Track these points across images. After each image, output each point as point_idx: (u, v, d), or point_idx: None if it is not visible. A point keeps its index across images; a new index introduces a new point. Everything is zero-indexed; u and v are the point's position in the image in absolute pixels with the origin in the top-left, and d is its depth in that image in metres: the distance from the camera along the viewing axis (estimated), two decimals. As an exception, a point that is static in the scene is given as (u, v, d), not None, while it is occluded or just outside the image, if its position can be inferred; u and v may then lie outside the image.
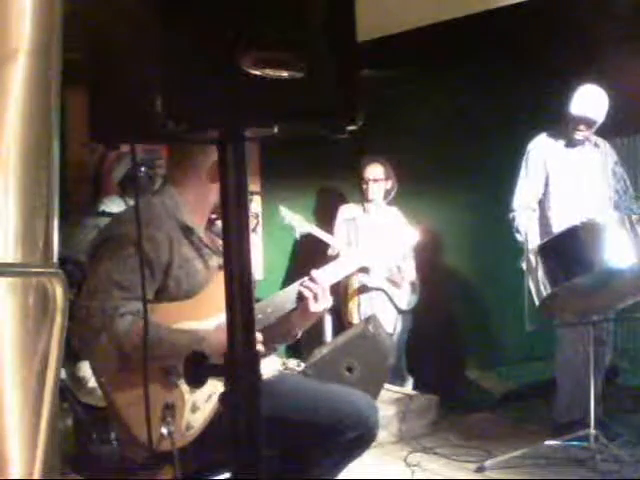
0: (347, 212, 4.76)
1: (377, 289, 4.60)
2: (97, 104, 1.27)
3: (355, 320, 4.57)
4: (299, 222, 4.36)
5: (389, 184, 4.72)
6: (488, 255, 5.31)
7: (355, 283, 4.58)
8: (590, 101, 3.95)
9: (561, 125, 4.12)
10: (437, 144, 5.09)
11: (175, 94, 1.10)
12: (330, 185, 5.16)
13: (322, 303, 2.25)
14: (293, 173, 4.57)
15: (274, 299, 2.28)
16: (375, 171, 4.68)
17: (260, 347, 2.14)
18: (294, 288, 2.28)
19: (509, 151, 4.36)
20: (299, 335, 2.39)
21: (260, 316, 2.21)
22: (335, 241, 4.53)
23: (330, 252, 4.49)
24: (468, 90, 5.10)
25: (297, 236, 4.43)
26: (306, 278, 2.27)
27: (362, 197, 4.74)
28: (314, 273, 2.27)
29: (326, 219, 4.87)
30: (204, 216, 2.26)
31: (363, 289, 4.60)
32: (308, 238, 4.55)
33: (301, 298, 2.25)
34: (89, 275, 2.12)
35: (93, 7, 1.25)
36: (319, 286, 2.25)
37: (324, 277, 2.28)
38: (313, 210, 5.13)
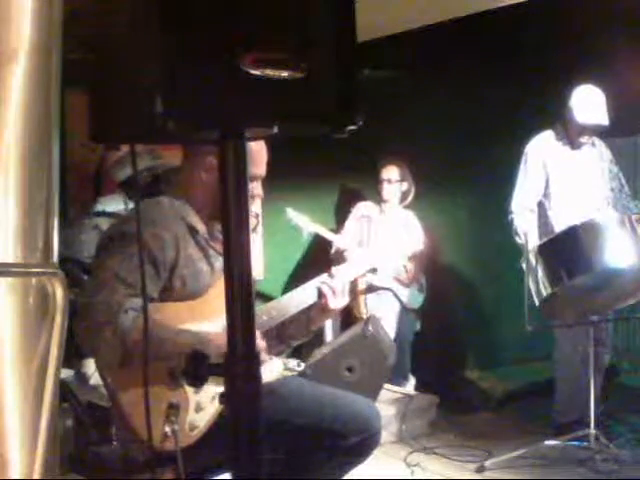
0: (363, 209, 4.80)
1: (384, 288, 4.62)
2: (97, 104, 1.27)
3: (364, 316, 4.59)
4: (305, 223, 4.37)
5: (405, 186, 4.75)
6: (488, 255, 5.31)
7: (362, 281, 4.58)
8: (597, 108, 3.92)
9: (559, 126, 4.11)
10: (437, 145, 5.09)
11: (175, 94, 1.10)
12: (351, 186, 5.18)
13: (341, 300, 2.30)
14: (295, 174, 4.57)
15: (279, 302, 2.30)
16: (391, 173, 4.71)
17: (262, 343, 2.14)
18: (300, 291, 2.31)
19: (510, 152, 4.35)
20: (314, 332, 2.43)
21: (264, 318, 2.22)
22: (340, 240, 4.54)
23: (333, 251, 4.51)
24: (467, 91, 5.10)
25: (305, 236, 4.45)
26: (325, 275, 2.31)
27: (379, 197, 4.76)
28: (333, 270, 2.32)
29: (344, 218, 4.89)
30: (211, 217, 2.25)
31: (370, 288, 4.61)
32: (311, 240, 4.56)
33: (320, 295, 2.28)
34: (95, 270, 2.12)
35: (93, 7, 1.25)
36: (338, 283, 2.28)
37: (343, 274, 2.32)
38: (334, 210, 5.15)
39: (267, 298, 2.36)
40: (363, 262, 2.47)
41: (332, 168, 4.77)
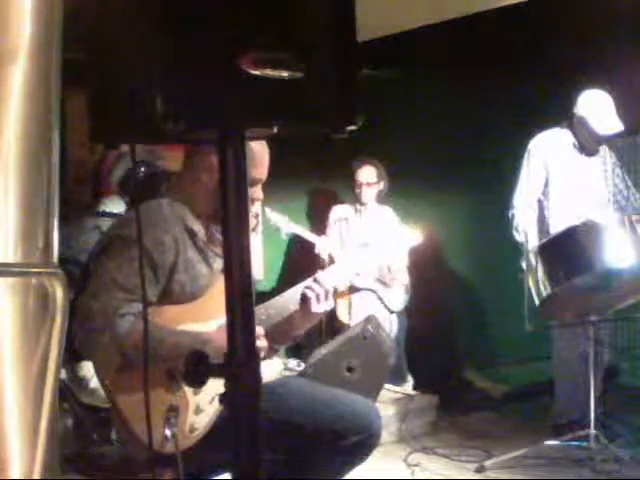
0: (339, 212, 4.77)
1: (367, 290, 4.61)
2: (97, 104, 1.27)
3: (346, 320, 4.58)
4: (284, 223, 4.38)
5: (382, 185, 4.73)
6: (488, 255, 5.31)
7: (344, 284, 4.57)
8: (613, 116, 3.90)
9: (564, 127, 4.10)
10: (437, 144, 5.09)
11: (175, 94, 1.10)
12: (324, 186, 5.16)
13: (324, 305, 2.28)
14: (288, 174, 4.56)
15: (277, 301, 2.29)
16: (368, 174, 4.68)
17: (264, 343, 2.14)
18: (297, 290, 2.29)
19: (509, 151, 4.36)
20: (301, 337, 2.40)
21: (263, 317, 2.22)
22: (319, 241, 4.53)
23: (316, 251, 4.50)
24: (468, 90, 5.10)
25: (283, 237, 4.46)
26: (310, 279, 2.29)
27: (355, 198, 4.74)
28: (318, 275, 2.29)
29: (321, 220, 4.87)
30: (210, 218, 2.24)
31: (353, 289, 4.60)
32: (305, 239, 4.56)
33: (304, 299, 2.26)
34: (93, 275, 2.11)
35: (93, 7, 1.25)
36: (322, 287, 2.26)
37: (328, 279, 2.29)
38: (307, 211, 5.14)
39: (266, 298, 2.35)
40: (350, 267, 2.45)
41: (305, 169, 4.73)
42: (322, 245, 4.49)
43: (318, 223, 4.84)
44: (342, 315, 4.61)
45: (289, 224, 4.40)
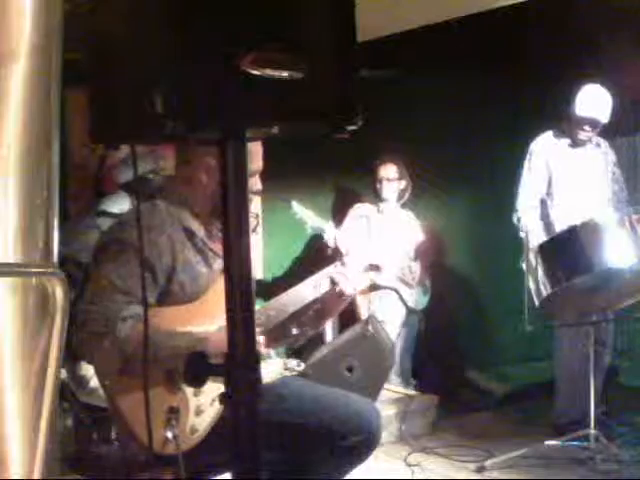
0: (360, 210, 4.77)
1: (389, 288, 4.61)
2: (97, 104, 1.27)
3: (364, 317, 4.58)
4: (311, 217, 4.36)
5: (403, 184, 4.73)
6: (488, 255, 5.31)
7: (366, 281, 4.56)
8: (596, 102, 3.95)
9: (563, 125, 4.12)
10: (438, 145, 5.08)
11: (175, 94, 1.10)
12: (345, 185, 5.17)
13: (356, 284, 2.30)
14: (296, 172, 4.56)
15: (276, 302, 2.29)
16: (389, 171, 4.69)
17: (262, 350, 2.15)
18: (297, 291, 2.29)
19: (511, 151, 4.36)
20: (330, 321, 2.42)
21: (263, 319, 2.22)
22: (342, 237, 4.51)
23: (332, 245, 4.48)
24: (469, 90, 5.10)
25: (309, 231, 4.44)
26: (337, 263, 2.31)
27: (376, 197, 4.75)
28: (345, 258, 2.31)
29: (341, 218, 4.87)
30: (209, 218, 2.24)
31: (374, 287, 4.59)
32: (311, 238, 4.55)
33: (333, 283, 2.28)
34: (91, 278, 2.11)
35: (93, 7, 1.25)
36: (349, 269, 2.28)
37: (353, 261, 2.31)
38: (326, 209, 5.14)
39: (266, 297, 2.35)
40: (369, 254, 2.46)
41: (328, 167, 4.74)
42: (343, 239, 4.47)
43: (341, 222, 4.84)
44: (361, 314, 4.61)
45: (314, 218, 4.38)
